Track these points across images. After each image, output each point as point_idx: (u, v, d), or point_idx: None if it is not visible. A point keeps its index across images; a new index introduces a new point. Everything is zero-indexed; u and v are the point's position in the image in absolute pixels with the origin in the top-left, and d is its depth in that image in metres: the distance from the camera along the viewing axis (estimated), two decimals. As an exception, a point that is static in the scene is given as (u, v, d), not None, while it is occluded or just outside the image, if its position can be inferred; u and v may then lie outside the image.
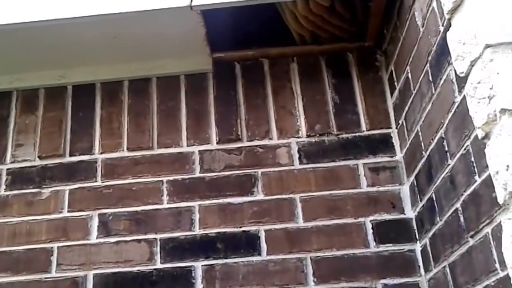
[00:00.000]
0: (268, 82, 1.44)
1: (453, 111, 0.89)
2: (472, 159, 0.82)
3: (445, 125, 0.94)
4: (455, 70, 0.78)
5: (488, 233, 0.78)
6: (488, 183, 0.76)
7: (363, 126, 1.37)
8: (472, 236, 0.87)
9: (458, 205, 0.92)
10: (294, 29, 1.40)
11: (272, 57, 1.44)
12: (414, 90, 1.14)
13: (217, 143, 1.38)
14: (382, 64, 1.42)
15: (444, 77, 0.91)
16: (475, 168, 0.81)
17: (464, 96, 0.80)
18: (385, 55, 1.39)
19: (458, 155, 0.89)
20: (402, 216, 1.27)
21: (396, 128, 1.34)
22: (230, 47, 1.45)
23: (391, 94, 1.37)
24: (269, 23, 1.43)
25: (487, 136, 0.63)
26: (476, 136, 0.78)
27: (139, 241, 1.30)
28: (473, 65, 0.64)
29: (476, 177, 0.81)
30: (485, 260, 0.82)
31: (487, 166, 0.74)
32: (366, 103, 1.39)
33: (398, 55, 1.25)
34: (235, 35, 1.47)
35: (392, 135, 1.35)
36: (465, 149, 0.85)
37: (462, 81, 0.79)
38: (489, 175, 0.74)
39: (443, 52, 0.90)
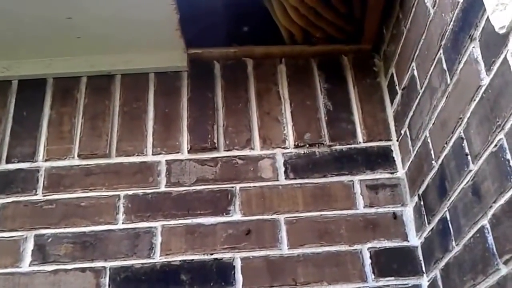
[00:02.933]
0: (252, 84, 1.30)
1: (477, 99, 0.75)
2: (508, 156, 0.67)
3: (465, 120, 0.80)
4: (483, 32, 0.65)
5: (533, 254, 0.62)
6: (535, 184, 0.60)
7: (360, 137, 1.23)
8: (506, 262, 0.70)
9: (484, 221, 0.76)
10: (283, 26, 1.28)
11: (257, 56, 1.32)
12: (421, 88, 1.01)
13: (188, 152, 1.21)
14: (380, 70, 1.31)
15: (465, 58, 0.78)
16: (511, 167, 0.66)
17: (495, 74, 0.67)
18: (384, 59, 1.28)
19: (485, 155, 0.74)
20: (405, 243, 1.10)
21: (397, 140, 1.20)
22: (209, 44, 1.32)
23: (391, 103, 1.24)
24: (255, 18, 1.32)
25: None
26: (514, 124, 0.64)
27: (83, 270, 1.10)
28: (522, 10, 0.51)
29: (515, 179, 0.66)
30: (527, 292, 0.65)
31: (532, 161, 0.59)
32: (363, 111, 1.26)
33: (400, 54, 1.14)
34: (216, 30, 1.35)
35: (392, 148, 1.22)
36: (496, 145, 0.70)
37: (494, 49, 0.66)
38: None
39: (463, 27, 0.78)
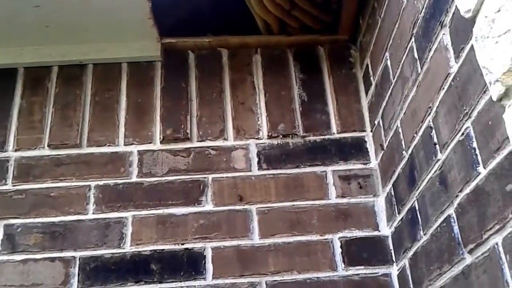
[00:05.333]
0: (226, 74, 1.24)
1: (446, 87, 0.71)
2: (474, 144, 0.63)
3: (434, 109, 0.76)
4: (453, 22, 0.60)
5: (497, 244, 0.58)
6: (501, 173, 0.56)
7: (334, 128, 1.18)
8: (471, 251, 0.67)
9: (451, 210, 0.72)
10: (258, 15, 1.22)
11: (232, 46, 1.26)
12: (394, 78, 0.97)
13: (161, 142, 1.16)
14: (356, 60, 1.26)
15: (435, 46, 0.74)
16: (478, 156, 0.62)
17: (464, 61, 0.63)
18: (360, 49, 1.23)
19: (452, 144, 0.70)
20: (376, 233, 1.07)
21: (371, 131, 1.16)
22: (183, 33, 1.25)
23: (366, 93, 1.20)
24: (230, 7, 1.26)
25: (507, 93, 0.45)
26: (481, 112, 0.60)
27: (52, 259, 1.05)
28: (488, -9, 0.47)
29: (480, 168, 0.62)
30: (492, 283, 0.61)
31: (498, 149, 0.55)
32: (337, 102, 1.21)
33: (375, 44, 1.09)
34: (191, 19, 1.28)
35: (366, 139, 1.17)
36: (463, 133, 0.66)
37: (463, 35, 0.62)
38: (502, 161, 0.55)
39: (434, 14, 0.73)
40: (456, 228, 0.71)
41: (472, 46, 0.61)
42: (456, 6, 0.65)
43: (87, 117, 1.19)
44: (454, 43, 0.67)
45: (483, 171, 0.61)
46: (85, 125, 1.18)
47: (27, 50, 1.23)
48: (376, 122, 1.12)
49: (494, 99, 0.47)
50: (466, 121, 0.64)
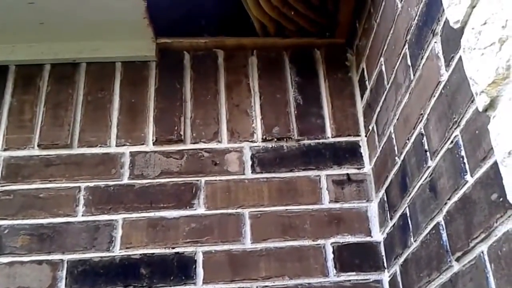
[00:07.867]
0: (222, 76, 1.26)
1: (437, 95, 0.73)
2: (462, 153, 0.65)
3: (425, 116, 0.79)
4: (443, 33, 0.63)
5: (483, 252, 0.61)
6: (486, 182, 0.59)
7: (328, 132, 1.20)
8: (458, 259, 0.69)
9: (439, 218, 0.74)
10: (255, 17, 1.25)
11: (228, 48, 1.28)
12: (388, 84, 0.99)
13: (153, 144, 1.18)
14: (352, 64, 1.28)
15: (427, 54, 0.76)
16: (466, 164, 0.64)
17: (453, 70, 0.65)
18: (356, 53, 1.26)
19: (442, 152, 0.72)
20: (368, 239, 1.09)
21: (366, 136, 1.19)
22: (179, 34, 1.27)
23: (361, 98, 1.22)
24: (227, 8, 1.28)
25: (492, 104, 0.47)
26: (469, 121, 0.62)
27: (40, 262, 1.06)
28: (474, 6, 0.49)
29: (468, 177, 0.64)
30: (477, 290, 0.63)
31: (484, 158, 0.58)
32: (332, 106, 1.24)
33: (371, 48, 1.11)
34: (186, 20, 1.30)
35: (360, 143, 1.20)
36: (452, 141, 0.69)
37: (453, 44, 0.64)
38: (487, 171, 0.57)
39: (426, 21, 0.76)
40: (444, 236, 0.73)
41: (461, 56, 0.63)
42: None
43: (79, 117, 1.20)
44: (445, 51, 0.70)
45: (470, 180, 0.63)
46: (77, 125, 1.19)
47: (19, 47, 1.24)
48: (370, 127, 1.14)
49: (480, 109, 0.50)
50: (455, 129, 0.67)
